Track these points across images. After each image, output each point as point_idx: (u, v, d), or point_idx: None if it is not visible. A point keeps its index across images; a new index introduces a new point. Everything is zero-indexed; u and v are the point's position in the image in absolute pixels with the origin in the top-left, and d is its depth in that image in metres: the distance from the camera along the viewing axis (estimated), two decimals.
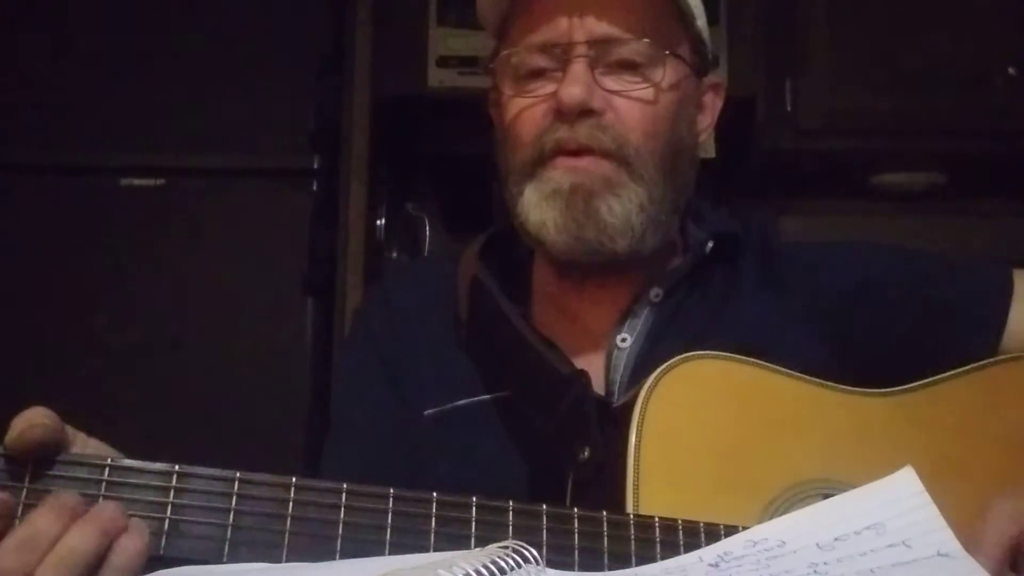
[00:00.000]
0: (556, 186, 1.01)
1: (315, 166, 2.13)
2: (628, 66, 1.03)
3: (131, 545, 0.72)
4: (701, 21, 1.09)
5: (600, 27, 1.02)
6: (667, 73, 1.04)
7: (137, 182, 2.12)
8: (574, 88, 1.00)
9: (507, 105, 1.07)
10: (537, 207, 1.02)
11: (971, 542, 0.75)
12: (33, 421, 0.73)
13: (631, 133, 1.02)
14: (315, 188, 2.13)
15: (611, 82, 1.03)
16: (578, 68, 1.01)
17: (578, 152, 1.01)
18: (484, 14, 1.10)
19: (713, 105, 1.14)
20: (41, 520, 0.71)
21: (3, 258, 2.08)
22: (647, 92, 1.03)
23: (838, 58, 2.24)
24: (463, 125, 2.31)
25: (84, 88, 2.12)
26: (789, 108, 2.23)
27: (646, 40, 1.03)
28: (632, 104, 1.03)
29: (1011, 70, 2.17)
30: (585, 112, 1.01)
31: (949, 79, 2.20)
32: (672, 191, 1.05)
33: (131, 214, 2.11)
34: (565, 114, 1.01)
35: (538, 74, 1.04)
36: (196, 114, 2.11)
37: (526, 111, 1.04)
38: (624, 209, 1.01)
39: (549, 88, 1.03)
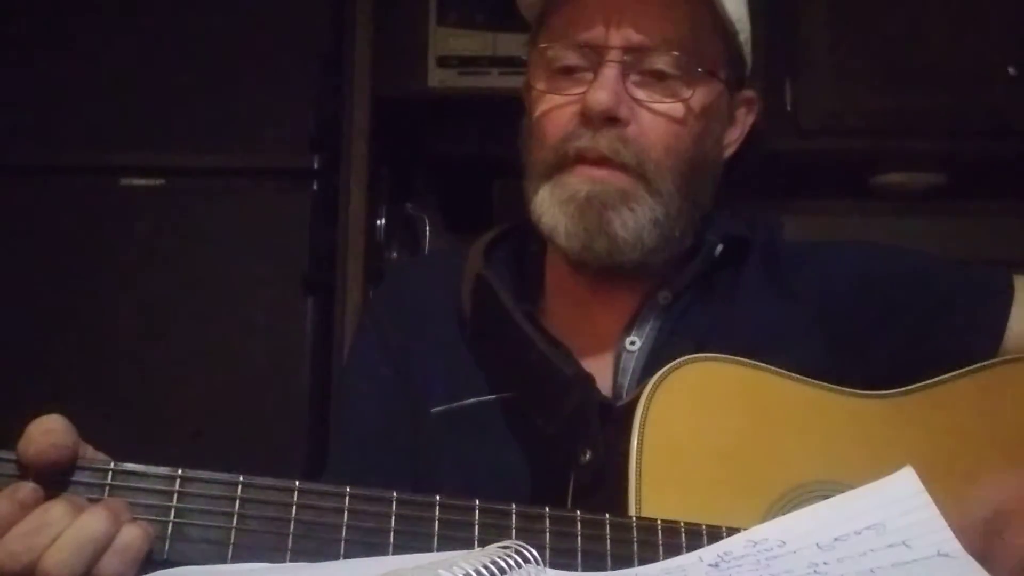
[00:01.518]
0: (573, 192, 1.01)
1: (315, 166, 2.13)
2: (660, 78, 1.02)
3: (136, 532, 0.73)
4: (744, 36, 1.08)
5: (638, 35, 1.01)
6: (698, 91, 1.03)
7: (137, 182, 2.12)
8: (602, 94, 0.99)
9: (537, 100, 1.06)
10: (551, 210, 1.02)
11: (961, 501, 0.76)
12: (53, 441, 0.73)
13: (652, 148, 1.01)
14: (315, 188, 2.13)
15: (641, 92, 1.02)
16: (609, 73, 1.00)
17: (598, 163, 1.01)
18: (523, 1, 1.09)
19: (744, 120, 1.13)
20: (56, 509, 0.72)
21: (3, 258, 2.08)
22: (675, 108, 1.02)
23: (838, 58, 2.24)
24: (463, 125, 2.33)
25: (84, 88, 2.12)
26: (789, 108, 2.23)
27: (683, 55, 1.01)
28: (657, 118, 1.02)
29: (1011, 70, 2.16)
30: (610, 120, 1.00)
31: (949, 79, 2.20)
32: (689, 206, 1.05)
33: (131, 214, 2.10)
34: (590, 119, 1.00)
35: (570, 71, 1.04)
36: (196, 114, 2.10)
37: (554, 110, 1.04)
38: (637, 224, 1.01)
39: (579, 89, 1.02)
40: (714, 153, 1.09)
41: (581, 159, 1.01)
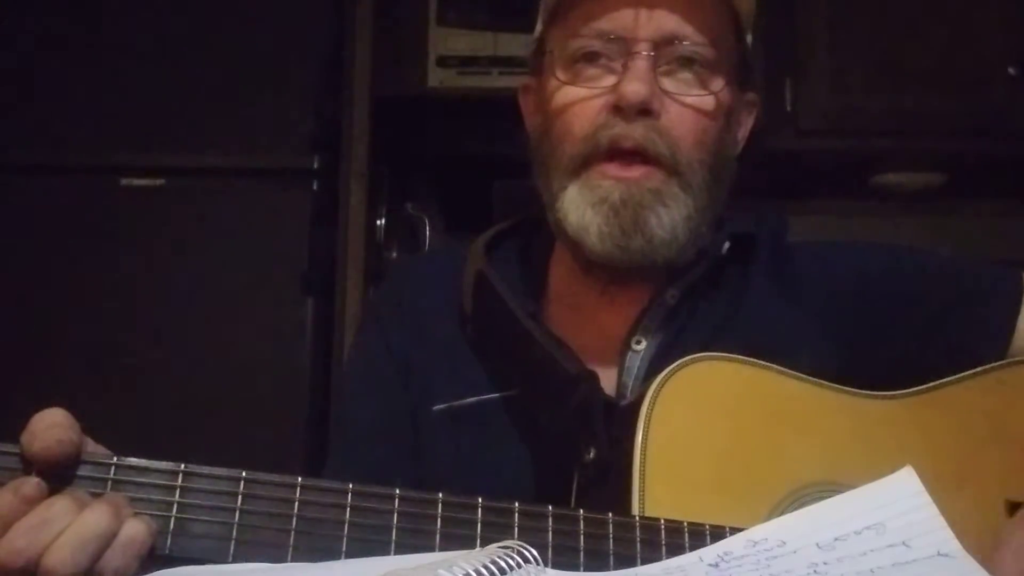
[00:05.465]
0: (605, 195, 0.99)
1: (315, 166, 2.13)
2: (688, 68, 1.01)
3: (139, 527, 0.74)
4: (750, 38, 1.08)
5: (667, 26, 1.00)
6: (723, 83, 1.03)
7: (137, 182, 2.12)
8: (638, 85, 0.98)
9: (556, 92, 1.04)
10: (579, 210, 1.00)
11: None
12: (58, 436, 0.73)
13: (683, 141, 1.00)
14: (315, 188, 2.13)
15: (670, 84, 1.01)
16: (642, 65, 0.99)
17: (631, 153, 0.99)
18: None
19: (747, 123, 1.12)
20: (59, 505, 0.72)
21: (3, 258, 2.08)
22: (704, 100, 1.02)
23: (838, 58, 2.24)
24: (463, 125, 2.33)
25: (84, 88, 2.12)
26: (789, 108, 2.23)
27: (712, 47, 1.01)
28: (686, 111, 1.01)
29: (1011, 70, 2.16)
30: (643, 111, 0.99)
31: (949, 79, 2.20)
32: (713, 202, 1.04)
33: (131, 214, 2.11)
34: (623, 110, 0.99)
35: (593, 60, 1.02)
36: (196, 114, 2.11)
37: (580, 103, 1.02)
38: (672, 221, 1.00)
39: (606, 81, 1.01)
40: (733, 150, 1.09)
41: (615, 149, 1.00)
